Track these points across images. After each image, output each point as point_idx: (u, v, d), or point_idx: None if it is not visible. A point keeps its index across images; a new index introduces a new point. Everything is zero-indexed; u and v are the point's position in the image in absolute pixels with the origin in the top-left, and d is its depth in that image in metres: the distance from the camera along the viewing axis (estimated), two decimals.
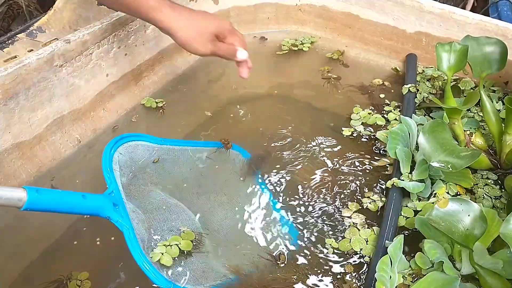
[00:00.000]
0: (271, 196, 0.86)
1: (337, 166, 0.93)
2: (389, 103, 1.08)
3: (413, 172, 0.83)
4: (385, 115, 1.04)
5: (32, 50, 1.14)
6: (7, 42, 1.16)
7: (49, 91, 0.89)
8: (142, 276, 0.65)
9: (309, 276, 0.73)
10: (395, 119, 1.02)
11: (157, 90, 1.13)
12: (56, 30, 1.24)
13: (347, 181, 0.89)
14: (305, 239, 0.79)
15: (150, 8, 0.77)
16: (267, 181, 0.90)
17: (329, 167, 0.93)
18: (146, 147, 0.82)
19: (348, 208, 0.84)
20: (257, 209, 0.84)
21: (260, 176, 0.91)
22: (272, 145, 0.98)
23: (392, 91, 1.13)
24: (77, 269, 0.73)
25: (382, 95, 1.11)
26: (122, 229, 0.66)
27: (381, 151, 0.95)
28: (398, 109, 1.05)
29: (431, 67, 1.16)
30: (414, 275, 0.70)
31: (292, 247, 0.78)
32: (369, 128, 1.01)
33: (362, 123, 1.02)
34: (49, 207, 0.59)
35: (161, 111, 1.07)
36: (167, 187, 0.84)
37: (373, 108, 1.06)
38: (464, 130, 0.93)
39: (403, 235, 0.69)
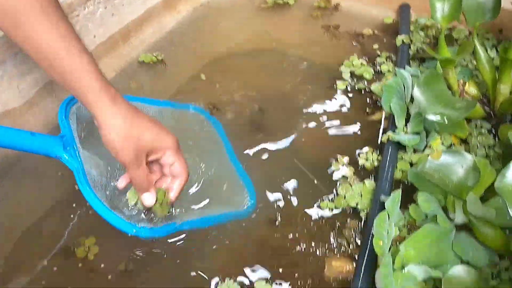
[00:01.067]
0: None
1: (331, 120, 0.93)
2: (380, 54, 1.07)
3: (408, 125, 0.83)
4: (377, 67, 1.03)
5: None
6: None
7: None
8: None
9: (307, 232, 0.75)
10: (389, 71, 1.01)
11: (146, 49, 1.10)
12: None
13: (341, 136, 0.90)
14: (300, 196, 0.80)
15: (87, 103, 0.63)
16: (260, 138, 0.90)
17: (324, 121, 0.93)
18: None
19: (337, 162, 0.85)
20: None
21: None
22: (266, 102, 0.98)
23: (385, 41, 1.11)
24: (84, 235, 0.74)
25: (375, 46, 1.10)
26: (72, 169, 0.66)
27: (377, 104, 0.94)
28: (390, 60, 1.04)
29: (425, 17, 1.14)
30: (409, 226, 0.72)
31: (287, 204, 0.79)
32: (363, 80, 1.00)
33: (354, 75, 1.01)
34: None
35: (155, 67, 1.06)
36: None
37: (366, 59, 1.05)
38: (458, 80, 0.92)
39: (400, 189, 0.70)
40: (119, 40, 1.05)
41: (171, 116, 0.86)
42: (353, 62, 1.04)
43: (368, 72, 1.01)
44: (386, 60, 1.04)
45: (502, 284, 0.64)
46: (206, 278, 0.70)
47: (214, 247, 0.73)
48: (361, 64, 1.03)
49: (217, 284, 0.68)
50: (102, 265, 0.71)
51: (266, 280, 0.69)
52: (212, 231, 0.75)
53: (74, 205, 0.78)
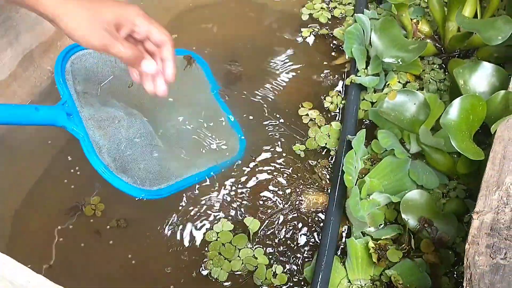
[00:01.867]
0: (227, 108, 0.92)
1: (297, 67, 1.01)
2: None
3: (368, 67, 0.92)
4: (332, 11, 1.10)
5: None
6: None
7: (14, 29, 0.90)
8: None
9: (280, 172, 0.86)
10: (341, 13, 1.09)
11: None
12: None
13: (309, 83, 0.98)
14: (275, 142, 0.90)
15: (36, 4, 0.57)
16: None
17: (291, 67, 1.00)
18: (99, 56, 0.81)
19: (304, 107, 0.93)
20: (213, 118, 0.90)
21: (218, 91, 0.95)
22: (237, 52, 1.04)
23: None
24: (88, 195, 0.83)
25: None
26: (78, 137, 0.72)
27: (340, 48, 1.01)
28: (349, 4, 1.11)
29: None
30: (371, 159, 0.83)
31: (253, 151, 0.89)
32: (326, 26, 1.07)
33: (313, 18, 1.08)
34: (3, 120, 0.63)
35: None
36: (124, 97, 0.84)
37: (327, 3, 1.12)
38: (411, 19, 1.00)
39: (365, 129, 0.80)
40: None
41: None
42: (314, 6, 1.10)
43: (323, 17, 1.08)
44: (342, 4, 1.11)
45: (450, 201, 0.77)
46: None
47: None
48: (321, 8, 1.09)
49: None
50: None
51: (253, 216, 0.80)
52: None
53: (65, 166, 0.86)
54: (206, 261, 0.76)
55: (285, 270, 0.75)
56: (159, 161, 0.80)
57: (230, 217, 0.80)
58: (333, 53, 1.02)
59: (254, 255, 0.76)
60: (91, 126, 0.74)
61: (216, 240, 0.77)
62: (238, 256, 0.76)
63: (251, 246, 0.77)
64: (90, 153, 0.71)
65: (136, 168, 0.76)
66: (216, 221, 0.80)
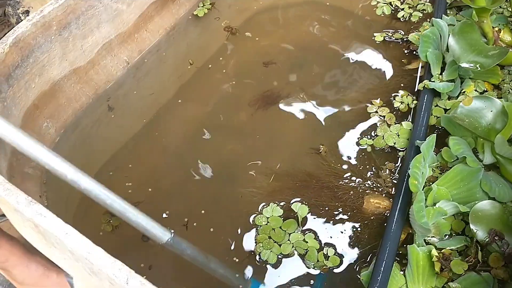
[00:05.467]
0: None
1: (370, 70, 0.99)
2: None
3: (443, 73, 0.88)
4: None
5: None
6: None
7: (96, 18, 0.95)
8: None
9: (346, 168, 0.84)
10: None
11: (192, 6, 1.17)
12: None
13: (381, 84, 0.95)
14: (344, 137, 0.88)
15: None
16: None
17: (366, 74, 0.98)
18: None
19: (373, 104, 0.92)
20: None
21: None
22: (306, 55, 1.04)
23: None
24: None
25: None
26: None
27: (414, 53, 0.99)
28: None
29: None
30: (441, 167, 0.79)
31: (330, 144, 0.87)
32: (399, 31, 1.04)
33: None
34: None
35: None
36: None
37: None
38: (493, 27, 0.95)
39: (435, 134, 0.76)
40: None
41: None
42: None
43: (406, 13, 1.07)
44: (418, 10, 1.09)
45: None
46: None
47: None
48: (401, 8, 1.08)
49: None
50: None
51: (302, 202, 0.79)
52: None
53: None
54: None
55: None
56: None
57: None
58: (406, 58, 0.99)
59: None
60: None
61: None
62: None
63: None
64: None
65: None
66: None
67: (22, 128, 0.75)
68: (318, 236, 0.76)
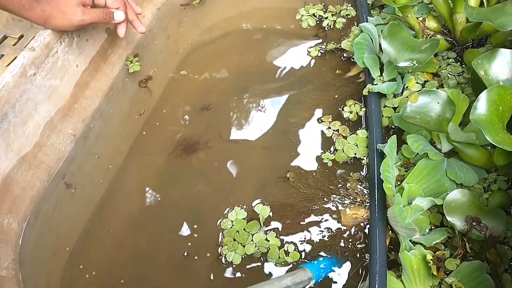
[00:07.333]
0: None
1: (312, 85, 1.00)
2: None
3: (383, 74, 0.91)
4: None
5: None
6: None
7: (32, 100, 0.93)
8: None
9: (316, 188, 0.84)
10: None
11: (125, 63, 1.16)
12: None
13: (325, 97, 0.97)
14: (306, 159, 0.89)
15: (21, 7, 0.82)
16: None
17: (309, 91, 1.00)
18: None
19: (323, 121, 0.93)
20: None
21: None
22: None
23: None
24: None
25: None
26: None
27: (351, 59, 1.01)
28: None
29: None
30: (404, 165, 0.81)
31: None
32: (332, 41, 1.07)
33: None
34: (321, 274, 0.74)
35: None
36: None
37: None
38: (417, 18, 0.99)
39: (395, 135, 0.78)
40: (99, 61, 1.10)
41: None
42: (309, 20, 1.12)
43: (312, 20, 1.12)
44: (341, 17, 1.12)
45: (493, 194, 0.74)
46: None
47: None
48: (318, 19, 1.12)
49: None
50: None
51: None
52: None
53: None
54: None
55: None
56: None
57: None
58: (343, 67, 1.02)
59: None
60: None
61: None
62: None
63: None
64: None
65: None
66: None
67: None
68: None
